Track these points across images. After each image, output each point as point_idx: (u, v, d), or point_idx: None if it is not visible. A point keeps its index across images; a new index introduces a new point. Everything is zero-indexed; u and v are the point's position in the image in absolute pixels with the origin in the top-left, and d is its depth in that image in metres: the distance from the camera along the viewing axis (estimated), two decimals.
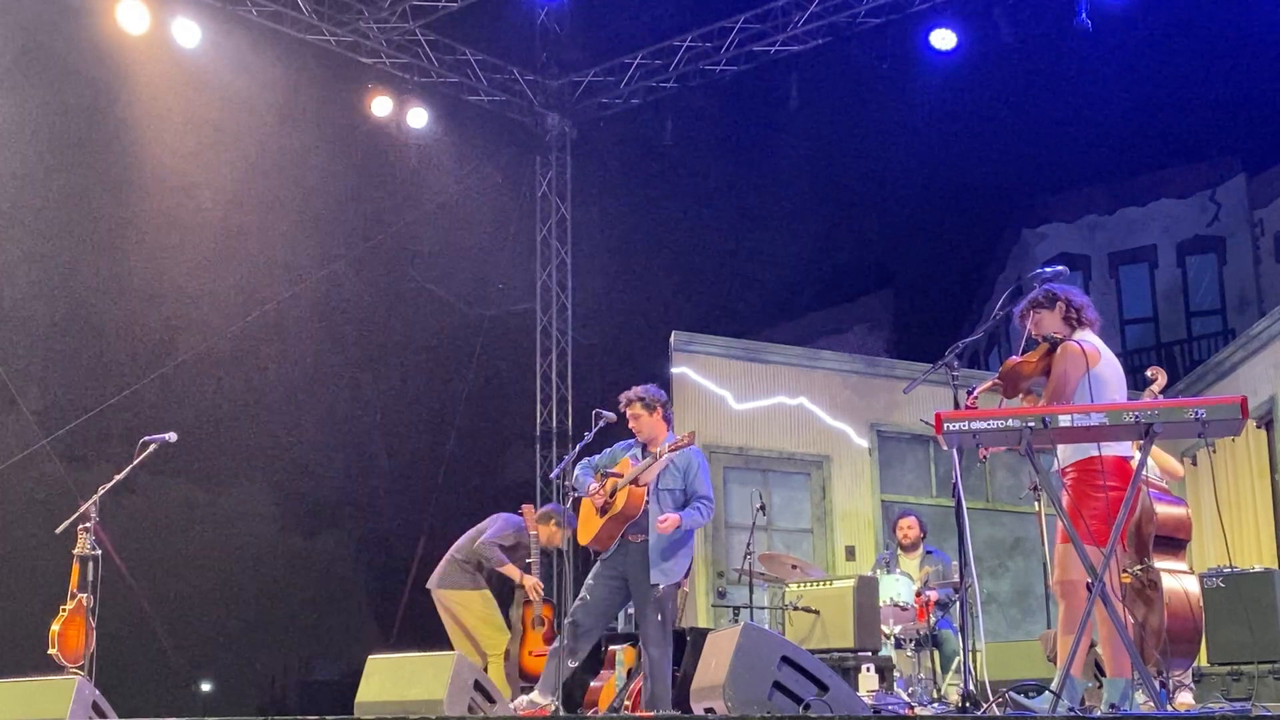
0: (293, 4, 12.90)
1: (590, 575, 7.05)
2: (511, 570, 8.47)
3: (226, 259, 13.48)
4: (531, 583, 8.56)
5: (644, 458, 7.02)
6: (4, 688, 6.24)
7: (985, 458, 5.88)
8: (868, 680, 8.11)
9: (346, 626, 15.38)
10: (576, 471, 7.19)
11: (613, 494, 6.90)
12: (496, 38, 14.49)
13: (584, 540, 7.13)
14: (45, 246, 12.77)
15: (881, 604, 8.67)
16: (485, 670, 8.37)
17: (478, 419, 14.67)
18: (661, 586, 6.85)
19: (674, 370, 12.34)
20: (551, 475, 7.59)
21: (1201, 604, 6.21)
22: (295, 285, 13.81)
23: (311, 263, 13.97)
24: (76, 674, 7.48)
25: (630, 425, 7.09)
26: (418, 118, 14.11)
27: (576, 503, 7.26)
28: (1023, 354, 5.68)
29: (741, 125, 15.81)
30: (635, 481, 6.83)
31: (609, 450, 7.25)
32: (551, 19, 14.57)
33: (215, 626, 13.97)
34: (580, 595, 7.02)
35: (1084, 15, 11.93)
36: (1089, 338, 5.52)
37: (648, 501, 6.90)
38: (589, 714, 8.63)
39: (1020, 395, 5.66)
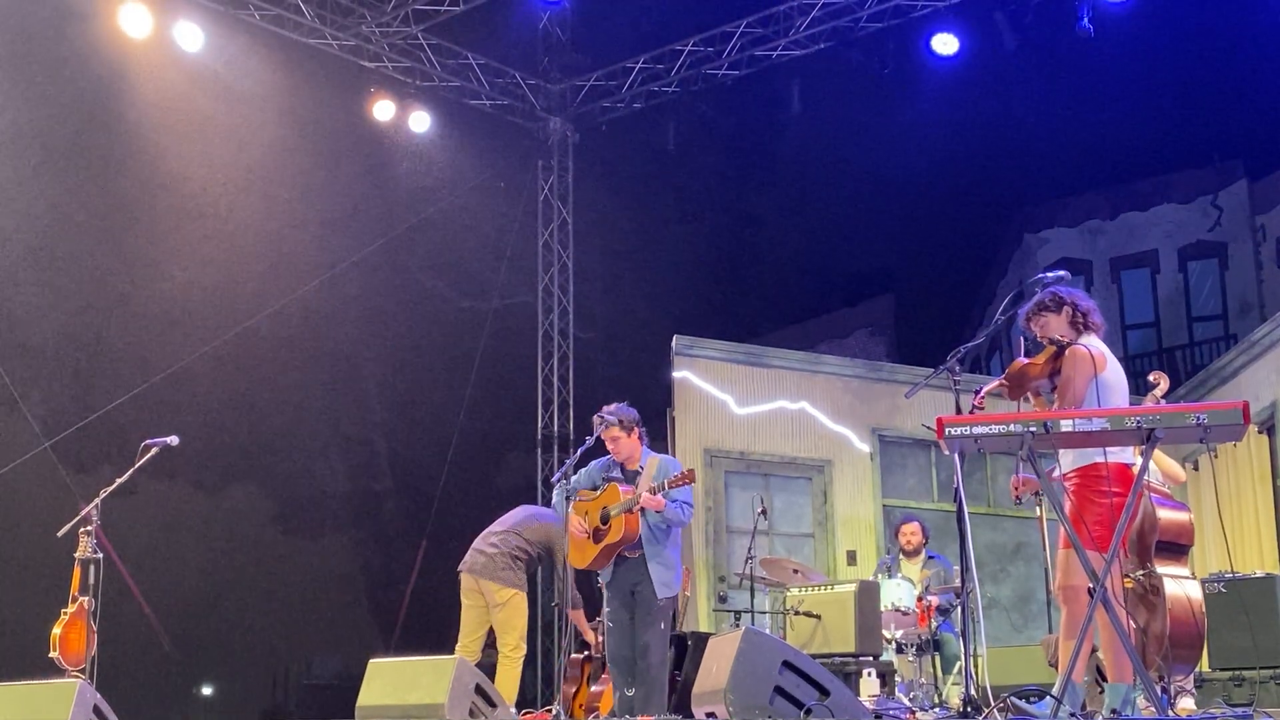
0: (295, 8, 12.92)
1: (605, 604, 7.12)
2: (581, 620, 8.39)
3: (228, 262, 13.51)
4: (595, 639, 8.59)
5: (623, 476, 7.07)
6: (5, 691, 6.23)
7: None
8: (869, 685, 8.11)
9: (347, 630, 15.40)
10: (556, 499, 7.28)
11: (605, 520, 6.93)
12: (498, 42, 14.51)
13: (579, 565, 7.18)
14: (47, 250, 12.80)
15: (883, 609, 8.66)
16: (481, 663, 8.33)
17: (479, 422, 14.69)
18: (665, 598, 6.94)
19: (675, 374, 12.32)
20: (553, 479, 7.58)
21: (1204, 609, 6.21)
22: (297, 289, 13.82)
23: (313, 267, 13.99)
24: (78, 677, 7.49)
25: (608, 447, 7.11)
26: (420, 122, 14.12)
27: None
28: (1027, 356, 5.69)
29: (743, 130, 15.83)
30: (629, 510, 6.87)
31: (584, 471, 7.28)
32: (554, 23, 14.58)
33: (216, 630, 13.99)
34: (607, 629, 7.08)
35: (1086, 20, 11.94)
36: (1094, 343, 5.52)
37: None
38: (590, 718, 8.64)
39: (1025, 397, 5.66)
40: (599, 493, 7.07)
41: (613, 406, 7.13)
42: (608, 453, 7.24)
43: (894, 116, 14.83)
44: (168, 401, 12.81)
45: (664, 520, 6.89)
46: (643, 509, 6.86)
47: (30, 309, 12.73)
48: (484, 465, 15.14)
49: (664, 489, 6.79)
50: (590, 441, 7.16)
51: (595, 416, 7.18)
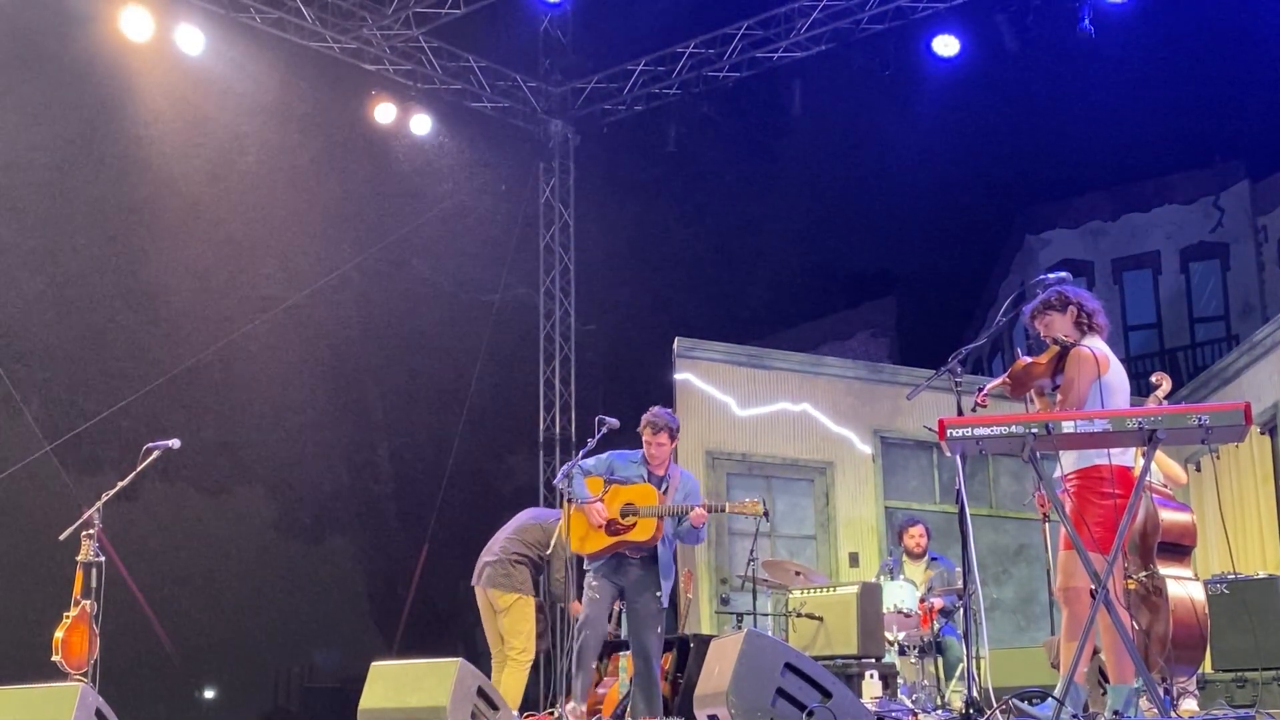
0: (296, 11, 12.92)
1: (591, 576, 7.17)
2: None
3: (230, 265, 13.52)
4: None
5: (648, 474, 7.12)
6: (7, 694, 6.23)
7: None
8: (871, 687, 8.10)
9: (349, 633, 15.40)
10: (561, 477, 7.27)
11: (625, 516, 6.94)
12: (500, 44, 14.51)
13: (582, 551, 7.18)
14: (49, 252, 12.82)
15: (885, 610, 8.66)
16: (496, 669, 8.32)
17: (480, 425, 14.69)
18: (664, 606, 7.05)
19: (677, 376, 12.33)
20: (555, 481, 7.59)
21: (1206, 610, 6.20)
22: (299, 292, 13.83)
23: (315, 269, 14.00)
24: (80, 680, 7.48)
25: (651, 450, 7.13)
26: (421, 124, 14.12)
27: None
28: (1030, 355, 5.68)
29: (744, 132, 15.81)
30: (659, 516, 6.91)
31: (605, 458, 7.27)
32: (555, 26, 14.58)
33: (218, 633, 13.99)
34: (591, 598, 7.13)
35: (1087, 21, 11.94)
36: (1097, 344, 5.51)
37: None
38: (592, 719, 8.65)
39: (1029, 397, 5.66)
40: (626, 486, 7.07)
41: (658, 410, 7.20)
42: (606, 452, 7.28)
43: (895, 118, 14.82)
44: (169, 404, 12.82)
45: (689, 534, 6.99)
46: (662, 518, 6.90)
47: (32, 312, 12.74)
48: (485, 467, 15.14)
49: (721, 510, 6.97)
50: (592, 443, 7.17)
51: (647, 419, 7.19)
